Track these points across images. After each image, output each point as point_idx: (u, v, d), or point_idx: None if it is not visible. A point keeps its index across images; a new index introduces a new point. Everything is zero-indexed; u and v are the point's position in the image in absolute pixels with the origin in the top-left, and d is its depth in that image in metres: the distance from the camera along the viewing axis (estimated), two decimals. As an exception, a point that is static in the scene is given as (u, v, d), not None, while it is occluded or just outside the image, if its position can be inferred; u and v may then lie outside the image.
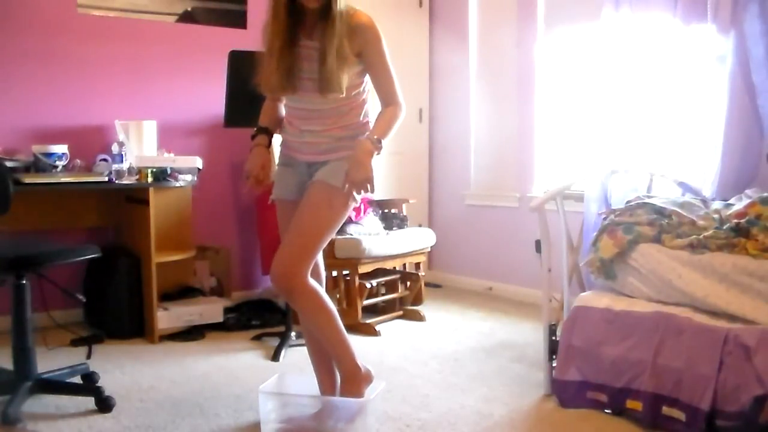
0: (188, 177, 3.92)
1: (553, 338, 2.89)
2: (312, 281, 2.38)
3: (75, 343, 3.65)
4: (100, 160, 3.90)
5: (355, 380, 2.41)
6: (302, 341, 3.49)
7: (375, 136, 2.35)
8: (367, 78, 2.44)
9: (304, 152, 2.46)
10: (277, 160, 2.62)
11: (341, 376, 2.45)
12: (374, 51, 2.37)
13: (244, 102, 3.42)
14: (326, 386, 2.56)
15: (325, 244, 2.43)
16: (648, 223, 2.83)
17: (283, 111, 2.57)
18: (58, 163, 3.69)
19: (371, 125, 2.45)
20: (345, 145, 2.41)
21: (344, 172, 2.34)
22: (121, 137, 3.92)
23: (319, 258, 2.52)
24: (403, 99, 2.45)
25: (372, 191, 2.34)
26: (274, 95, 2.50)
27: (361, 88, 2.44)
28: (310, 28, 2.34)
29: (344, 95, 2.33)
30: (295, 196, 2.49)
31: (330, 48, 2.26)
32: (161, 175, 3.75)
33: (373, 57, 2.37)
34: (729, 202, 3.00)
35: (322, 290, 2.43)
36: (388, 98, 2.44)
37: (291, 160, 2.52)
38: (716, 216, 2.83)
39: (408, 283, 4.45)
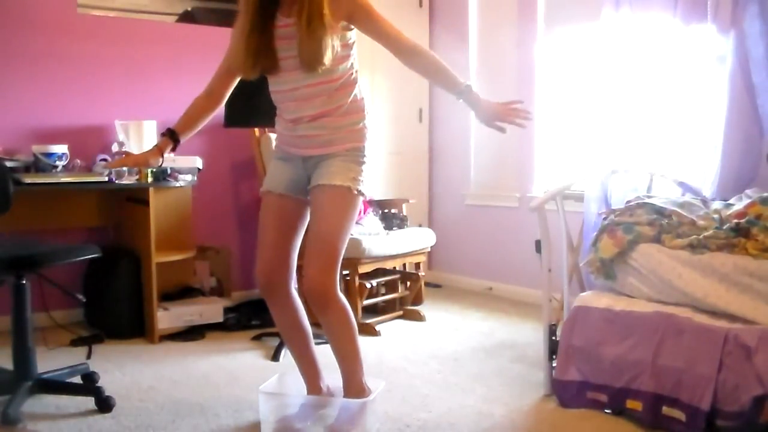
0: (188, 177, 3.92)
1: (553, 338, 2.89)
2: (341, 294, 2.36)
3: (75, 343, 3.64)
4: (100, 160, 3.90)
5: (360, 397, 2.41)
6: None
7: (465, 84, 2.46)
8: (355, 55, 2.36)
9: (300, 146, 2.39)
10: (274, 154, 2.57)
11: (348, 389, 2.43)
12: (364, 11, 2.28)
13: (244, 102, 3.42)
14: (312, 377, 2.54)
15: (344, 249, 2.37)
16: (648, 223, 2.83)
17: (211, 113, 2.48)
18: (58, 163, 3.69)
19: (366, 105, 2.40)
20: (343, 137, 2.34)
21: (347, 169, 2.31)
22: (121, 137, 3.92)
23: (294, 258, 2.48)
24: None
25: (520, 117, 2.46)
26: (245, 76, 2.37)
27: (349, 63, 2.34)
28: (289, 6, 2.25)
29: (329, 67, 2.24)
30: (284, 190, 2.43)
31: (311, 18, 2.18)
32: (161, 175, 3.75)
33: (366, 17, 2.28)
34: (729, 202, 3.00)
35: (347, 303, 2.38)
36: (402, 45, 2.34)
37: (286, 155, 2.46)
38: (716, 216, 2.82)
39: (408, 283, 4.45)
